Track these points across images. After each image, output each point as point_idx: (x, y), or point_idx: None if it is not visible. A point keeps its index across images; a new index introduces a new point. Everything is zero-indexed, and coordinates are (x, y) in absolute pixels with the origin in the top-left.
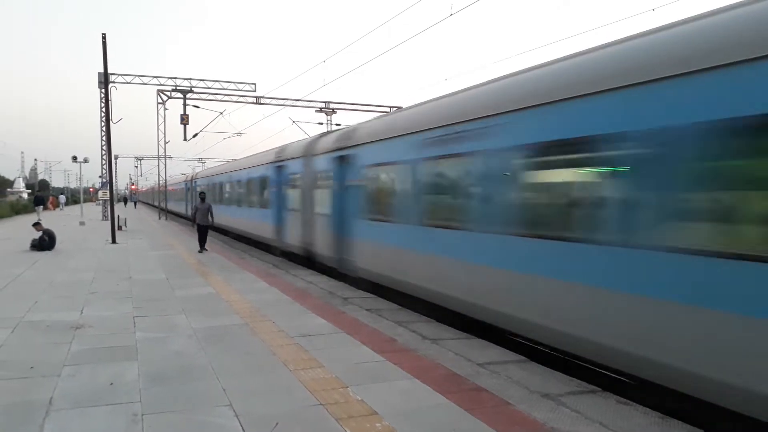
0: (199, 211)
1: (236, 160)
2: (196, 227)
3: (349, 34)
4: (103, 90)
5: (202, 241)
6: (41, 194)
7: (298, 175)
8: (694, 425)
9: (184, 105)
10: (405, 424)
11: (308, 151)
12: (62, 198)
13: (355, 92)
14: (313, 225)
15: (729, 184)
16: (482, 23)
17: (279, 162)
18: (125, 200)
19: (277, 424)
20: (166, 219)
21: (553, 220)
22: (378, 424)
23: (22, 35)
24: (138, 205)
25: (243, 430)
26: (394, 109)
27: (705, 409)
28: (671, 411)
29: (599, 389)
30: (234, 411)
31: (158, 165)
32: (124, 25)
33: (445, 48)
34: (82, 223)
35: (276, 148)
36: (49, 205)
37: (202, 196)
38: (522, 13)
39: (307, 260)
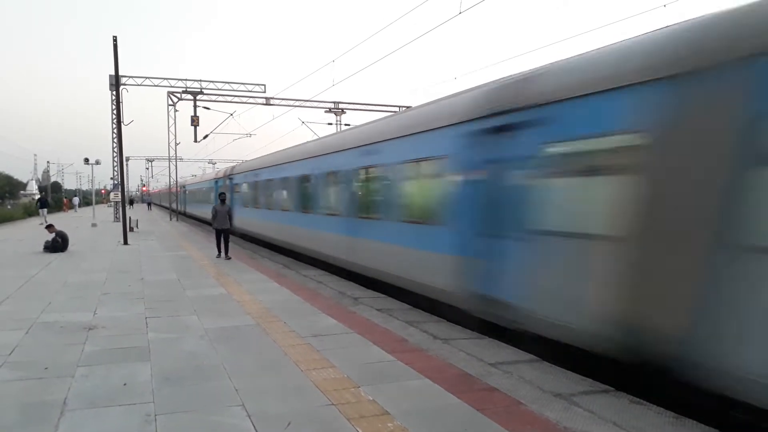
0: (219, 214)
1: (332, 134)
2: (214, 231)
3: (357, 34)
4: (114, 92)
5: (220, 246)
6: (45, 197)
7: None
8: (709, 425)
9: (195, 106)
10: (417, 424)
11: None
12: (76, 200)
13: (365, 92)
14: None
15: None
16: (492, 21)
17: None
18: (131, 201)
19: (289, 423)
20: (177, 220)
21: None
22: (390, 424)
23: (34, 38)
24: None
25: (255, 430)
26: (404, 108)
27: (720, 409)
28: (685, 410)
29: (612, 389)
30: (246, 411)
31: (169, 166)
32: (134, 27)
33: (455, 46)
34: (94, 225)
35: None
36: (63, 207)
37: (222, 197)
38: (532, 10)
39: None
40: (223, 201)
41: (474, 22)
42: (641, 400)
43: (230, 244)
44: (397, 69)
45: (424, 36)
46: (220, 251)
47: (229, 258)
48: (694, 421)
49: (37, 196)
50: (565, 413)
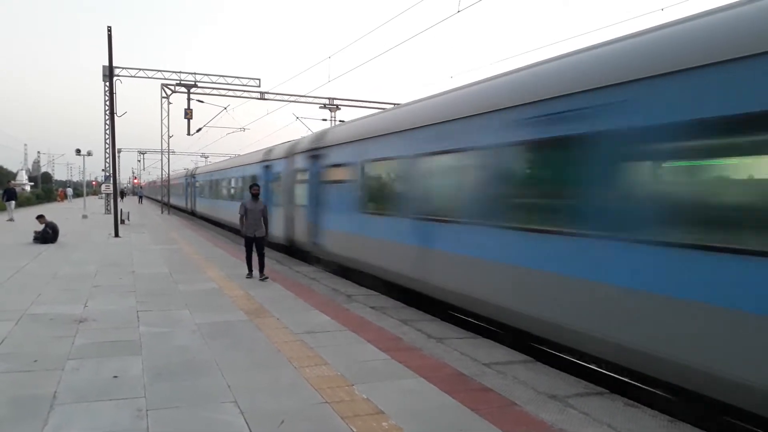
0: (249, 214)
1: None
2: (244, 240)
3: (355, 30)
4: (107, 83)
5: (252, 261)
6: (13, 188)
7: None
8: (703, 429)
9: (188, 99)
10: (412, 424)
11: None
12: (69, 191)
13: (360, 89)
14: None
15: None
16: (490, 20)
17: None
18: (122, 194)
19: (282, 421)
20: (169, 213)
21: None
22: (384, 423)
23: (27, 27)
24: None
25: (248, 427)
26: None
27: (714, 413)
28: (680, 414)
29: (607, 391)
30: (239, 408)
31: (161, 159)
32: (129, 18)
33: (452, 44)
34: (84, 217)
35: None
36: (59, 198)
37: (255, 190)
38: (530, 9)
39: None
40: (255, 195)
41: (472, 21)
42: (636, 403)
43: (228, 240)
44: (394, 66)
45: (423, 33)
46: (251, 269)
47: (266, 278)
48: (689, 425)
49: (28, 187)
50: (561, 415)
